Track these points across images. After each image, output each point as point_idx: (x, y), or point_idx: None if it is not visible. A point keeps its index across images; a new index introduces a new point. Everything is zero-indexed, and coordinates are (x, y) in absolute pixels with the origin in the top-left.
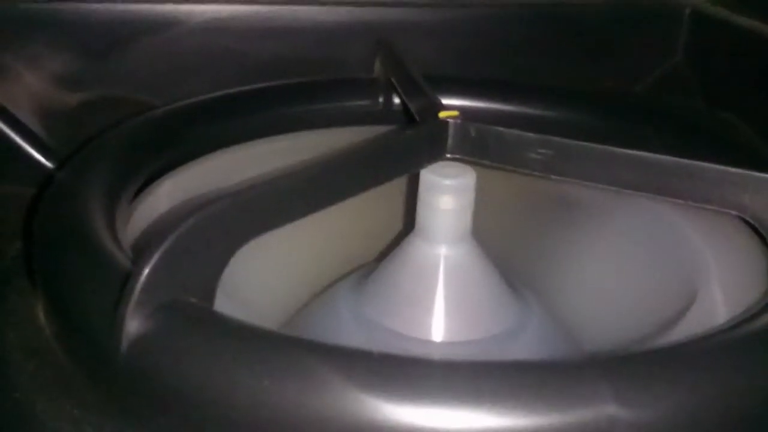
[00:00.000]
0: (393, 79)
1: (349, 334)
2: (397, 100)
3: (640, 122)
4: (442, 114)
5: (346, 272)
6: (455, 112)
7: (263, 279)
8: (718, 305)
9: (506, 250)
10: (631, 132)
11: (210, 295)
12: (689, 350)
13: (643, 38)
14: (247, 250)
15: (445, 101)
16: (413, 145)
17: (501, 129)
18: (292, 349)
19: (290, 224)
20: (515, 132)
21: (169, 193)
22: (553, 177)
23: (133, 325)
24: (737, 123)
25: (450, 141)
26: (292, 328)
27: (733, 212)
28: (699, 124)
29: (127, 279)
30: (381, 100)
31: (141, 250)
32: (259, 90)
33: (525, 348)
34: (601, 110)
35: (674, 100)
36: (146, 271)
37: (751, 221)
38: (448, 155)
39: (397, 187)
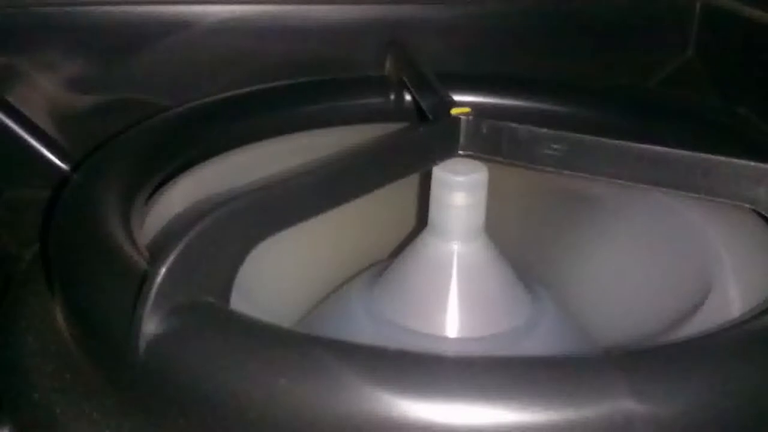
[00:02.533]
0: (404, 77)
1: (364, 332)
2: (408, 98)
3: (652, 117)
4: (454, 111)
5: (359, 270)
6: (467, 109)
7: (277, 277)
8: (733, 299)
9: (519, 246)
10: (644, 127)
11: (226, 294)
12: (705, 344)
13: (655, 33)
14: (261, 249)
15: (457, 98)
16: (425, 142)
17: (513, 125)
18: (309, 347)
19: (304, 223)
20: (528, 128)
21: (184, 193)
22: (566, 172)
23: (151, 325)
24: (750, 116)
25: (462, 138)
26: (306, 326)
27: (748, 206)
28: (712, 119)
29: (144, 280)
30: (392, 98)
31: (157, 251)
32: (271, 90)
33: (539, 343)
34: (613, 105)
35: (687, 95)
36: (162, 272)
37: (765, 214)
38: (461, 152)
39: (409, 184)
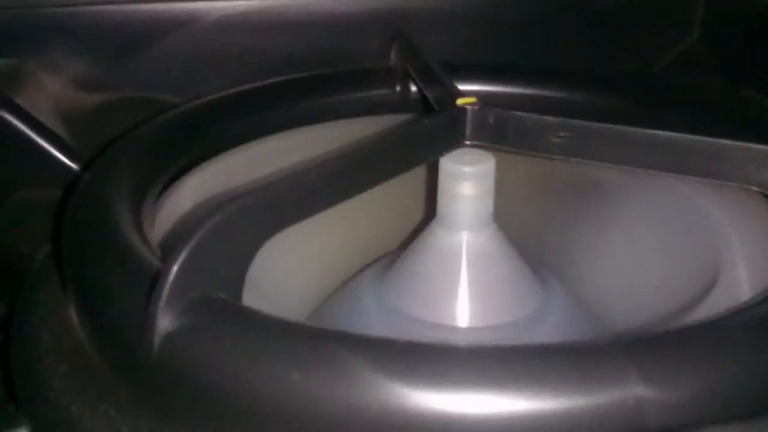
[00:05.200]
0: (409, 68)
1: (375, 324)
2: (414, 89)
3: (659, 102)
4: (460, 101)
5: (368, 262)
6: (473, 99)
7: (287, 271)
8: (742, 283)
9: (528, 235)
10: (651, 112)
11: (238, 290)
12: (715, 329)
13: (658, 17)
14: (270, 243)
15: (462, 87)
16: (432, 133)
17: (520, 114)
18: (320, 340)
19: (312, 217)
20: (534, 116)
21: (194, 190)
22: (573, 160)
23: (164, 323)
24: (757, 99)
25: (468, 128)
26: (317, 319)
27: (756, 189)
28: (719, 102)
29: (157, 278)
30: (398, 89)
31: (169, 248)
32: (276, 84)
33: (549, 331)
34: (620, 91)
35: (692, 79)
36: (175, 269)
37: None
38: (467, 142)
39: (417, 175)
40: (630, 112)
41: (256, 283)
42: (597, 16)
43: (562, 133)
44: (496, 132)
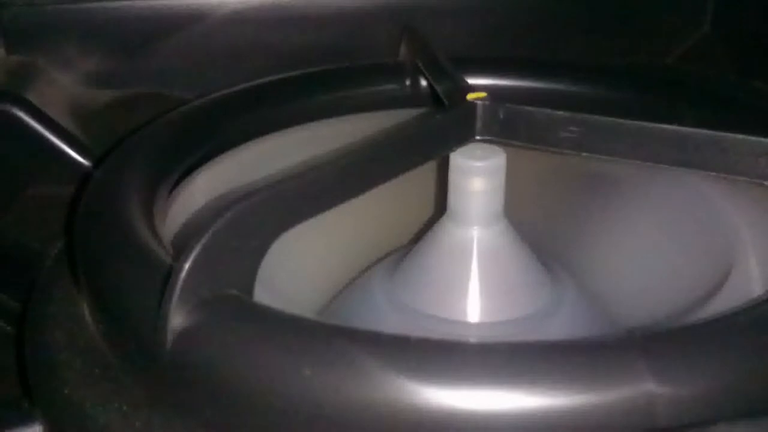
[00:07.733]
0: (419, 63)
1: (385, 319)
2: (424, 83)
3: (671, 95)
4: (470, 96)
5: (379, 258)
6: (483, 94)
7: (298, 267)
8: (754, 277)
9: (539, 230)
10: (662, 105)
11: (249, 286)
12: (726, 325)
13: (671, 9)
14: (281, 239)
15: (472, 82)
16: (442, 128)
17: (530, 109)
18: (332, 337)
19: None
20: (544, 111)
21: (206, 186)
22: (584, 154)
23: (177, 319)
24: None
25: (479, 123)
26: (328, 315)
27: (767, 183)
28: (732, 95)
29: (169, 275)
30: (408, 84)
31: (181, 245)
32: (287, 79)
33: (560, 327)
34: (631, 85)
35: (704, 71)
36: (187, 266)
37: None
38: (478, 137)
39: (427, 171)
40: (641, 105)
41: (267, 279)
42: (608, 9)
43: (572, 128)
44: (507, 127)
